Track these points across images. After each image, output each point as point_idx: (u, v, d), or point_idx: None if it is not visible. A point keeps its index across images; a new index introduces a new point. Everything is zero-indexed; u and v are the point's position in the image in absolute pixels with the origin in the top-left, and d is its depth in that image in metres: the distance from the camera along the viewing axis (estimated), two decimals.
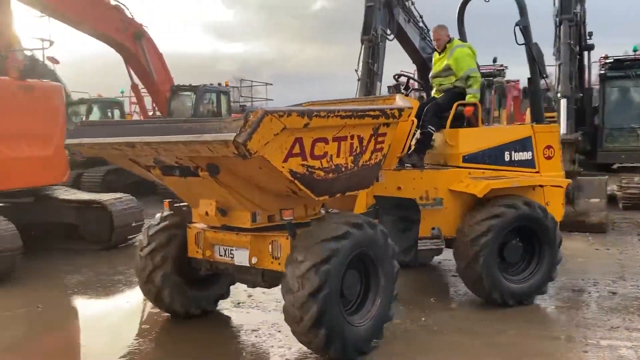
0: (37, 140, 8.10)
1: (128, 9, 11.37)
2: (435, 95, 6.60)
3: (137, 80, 15.02)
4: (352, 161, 4.43)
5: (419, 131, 6.25)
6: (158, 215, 5.39)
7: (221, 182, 4.33)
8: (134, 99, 18.66)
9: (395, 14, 9.02)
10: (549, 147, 6.33)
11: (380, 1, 8.51)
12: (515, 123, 16.19)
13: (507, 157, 6.14)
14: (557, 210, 6.13)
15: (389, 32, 8.94)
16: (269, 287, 4.92)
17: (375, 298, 4.59)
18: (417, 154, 6.18)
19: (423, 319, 5.35)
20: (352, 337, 4.33)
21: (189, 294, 5.36)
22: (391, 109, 4.62)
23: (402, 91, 6.39)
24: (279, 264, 4.55)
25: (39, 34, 11.14)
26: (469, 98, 6.17)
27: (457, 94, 6.31)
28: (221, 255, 4.95)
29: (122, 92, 21.78)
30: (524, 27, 6.25)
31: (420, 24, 10.11)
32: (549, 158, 6.32)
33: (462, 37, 7.16)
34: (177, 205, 5.39)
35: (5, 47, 8.01)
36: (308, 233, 4.33)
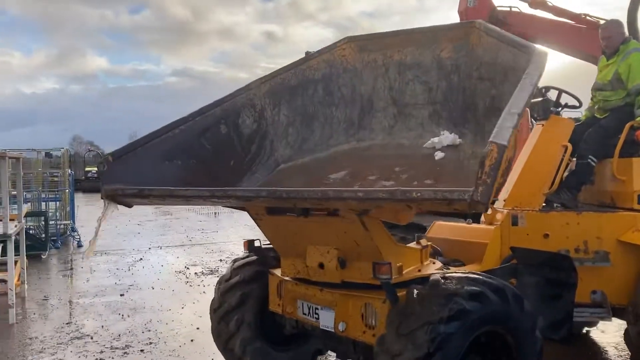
0: None
1: None
2: (598, 115, 5.06)
3: None
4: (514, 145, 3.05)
5: (573, 160, 4.80)
6: (232, 262, 4.43)
7: (367, 223, 3.18)
8: None
9: None
10: None
11: None
12: None
13: None
14: None
15: None
16: None
17: None
18: (569, 190, 4.72)
19: None
20: None
21: (275, 356, 4.31)
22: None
23: (552, 109, 4.93)
24: (374, 335, 3.35)
25: None
26: (638, 121, 4.60)
27: (629, 114, 4.76)
28: (304, 314, 3.84)
29: None
30: None
31: None
32: None
33: (635, 36, 5.53)
34: (259, 245, 4.39)
35: None
36: (410, 306, 3.12)
